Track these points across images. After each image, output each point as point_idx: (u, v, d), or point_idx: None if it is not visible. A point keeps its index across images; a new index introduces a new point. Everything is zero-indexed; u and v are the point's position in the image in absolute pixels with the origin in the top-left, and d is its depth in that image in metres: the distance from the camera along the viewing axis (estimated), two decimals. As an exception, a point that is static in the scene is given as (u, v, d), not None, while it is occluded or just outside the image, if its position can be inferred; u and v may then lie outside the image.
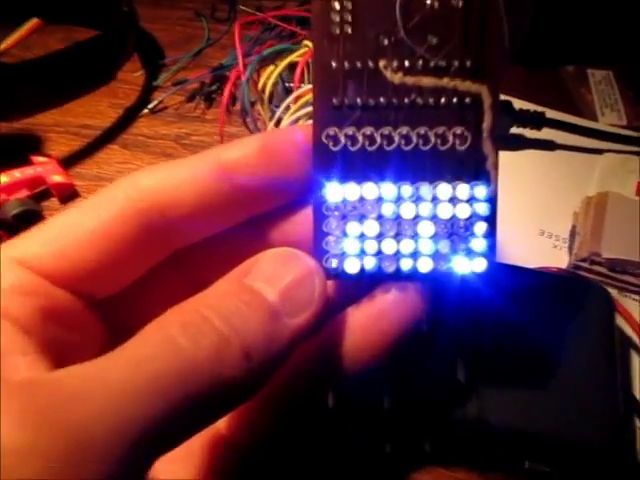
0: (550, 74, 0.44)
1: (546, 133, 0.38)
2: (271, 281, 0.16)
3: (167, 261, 0.19)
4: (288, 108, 0.31)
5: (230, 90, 0.36)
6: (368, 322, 0.18)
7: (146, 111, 0.42)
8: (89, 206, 0.17)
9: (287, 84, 0.35)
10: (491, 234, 0.18)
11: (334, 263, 0.18)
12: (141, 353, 0.14)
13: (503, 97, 0.38)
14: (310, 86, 0.31)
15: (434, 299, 0.18)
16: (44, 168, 0.35)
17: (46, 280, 0.16)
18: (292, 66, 0.35)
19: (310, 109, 0.31)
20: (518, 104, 0.38)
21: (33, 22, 0.42)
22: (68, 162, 0.38)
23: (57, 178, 0.35)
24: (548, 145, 0.38)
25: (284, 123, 0.31)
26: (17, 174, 0.34)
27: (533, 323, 0.23)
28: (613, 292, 0.30)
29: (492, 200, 0.18)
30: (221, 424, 0.18)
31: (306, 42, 0.35)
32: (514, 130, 0.38)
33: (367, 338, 0.18)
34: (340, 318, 0.18)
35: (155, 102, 0.42)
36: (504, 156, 0.37)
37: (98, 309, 0.18)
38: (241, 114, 0.38)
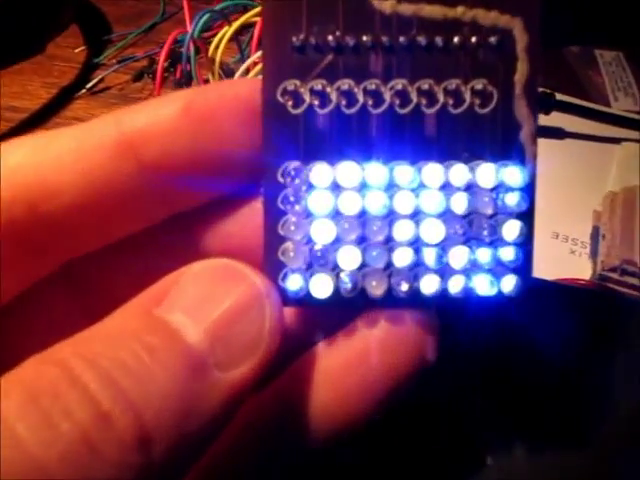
0: (552, 55, 0.39)
1: (553, 119, 0.33)
2: (196, 312, 0.11)
3: (56, 277, 0.14)
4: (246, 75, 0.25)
5: (167, 54, 0.30)
6: (345, 367, 0.13)
7: (84, 91, 0.36)
8: None
9: (248, 58, 0.30)
10: (527, 239, 0.12)
11: (295, 283, 0.12)
12: None
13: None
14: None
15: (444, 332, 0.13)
16: None
17: None
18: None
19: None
20: (522, 84, 0.32)
21: None
22: None
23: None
24: (556, 133, 0.33)
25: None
26: None
27: (566, 357, 0.18)
28: None
29: (529, 189, 0.13)
30: None
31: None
32: None
33: (344, 390, 0.13)
34: (306, 361, 0.13)
35: (95, 81, 0.37)
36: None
37: None
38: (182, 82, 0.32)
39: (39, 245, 0.12)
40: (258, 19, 0.26)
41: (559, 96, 0.34)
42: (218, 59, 0.27)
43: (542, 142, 0.34)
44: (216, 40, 0.27)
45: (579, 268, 0.27)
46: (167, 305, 0.11)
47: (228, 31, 0.27)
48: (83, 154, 0.12)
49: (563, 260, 0.27)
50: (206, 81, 0.32)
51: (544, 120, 0.33)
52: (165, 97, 0.13)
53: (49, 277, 0.13)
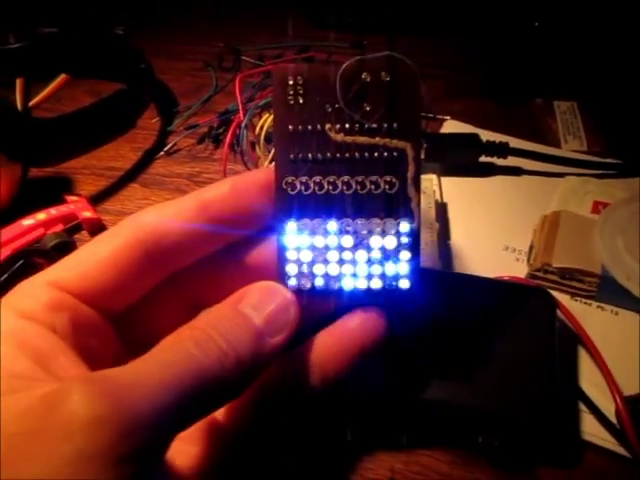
0: (519, 107, 0.48)
1: (514, 161, 0.41)
2: (258, 308, 0.20)
3: (165, 286, 0.22)
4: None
5: (232, 134, 0.41)
6: (331, 343, 0.22)
7: (162, 153, 0.46)
8: (103, 238, 0.21)
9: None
10: (413, 260, 0.21)
11: (293, 282, 0.22)
12: (168, 359, 0.17)
13: (472, 130, 0.43)
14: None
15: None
16: (76, 206, 0.40)
17: (73, 297, 0.20)
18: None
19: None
20: (486, 136, 0.42)
21: (62, 78, 0.47)
22: (96, 200, 0.43)
23: (87, 214, 0.40)
24: (515, 171, 0.42)
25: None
26: (53, 211, 0.39)
27: (484, 321, 0.27)
28: (565, 297, 0.34)
29: (414, 233, 0.21)
30: (219, 415, 0.22)
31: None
32: (484, 159, 0.42)
33: (330, 355, 0.22)
34: (310, 340, 0.22)
35: (170, 145, 0.47)
36: (474, 182, 0.42)
37: (112, 322, 0.21)
38: (242, 157, 0.43)
39: (158, 263, 0.21)
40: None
41: (519, 142, 0.43)
42: (263, 135, 0.38)
43: (503, 179, 0.44)
44: (261, 122, 0.38)
45: (520, 271, 0.35)
46: (244, 304, 0.20)
47: (269, 117, 0.38)
48: (181, 215, 0.21)
49: (509, 265, 0.35)
50: (252, 144, 0.43)
51: (506, 162, 0.42)
52: (222, 181, 0.22)
53: (163, 286, 0.22)
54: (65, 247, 0.38)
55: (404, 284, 0.22)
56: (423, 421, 0.28)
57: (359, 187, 0.21)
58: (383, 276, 0.22)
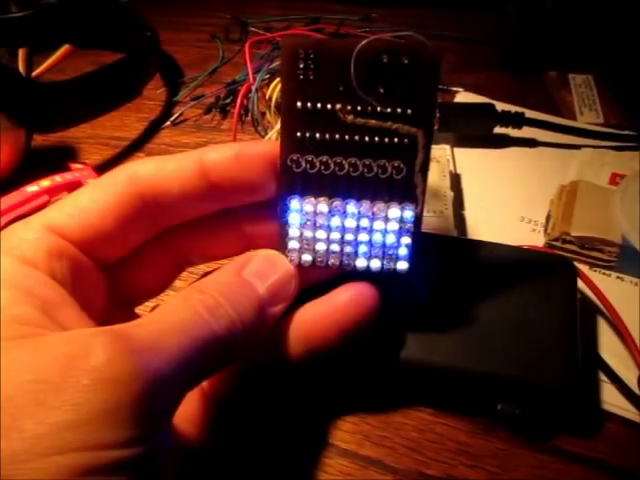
0: (534, 80, 0.47)
1: (529, 132, 0.40)
2: (262, 277, 0.21)
3: (155, 240, 0.22)
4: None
5: (241, 101, 0.40)
6: (321, 315, 0.22)
7: (168, 123, 0.45)
8: (100, 186, 0.20)
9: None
10: (413, 245, 0.22)
11: (294, 257, 0.22)
12: (182, 322, 0.18)
13: (487, 100, 0.42)
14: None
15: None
16: (81, 173, 0.39)
17: (72, 245, 0.20)
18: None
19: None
20: (501, 106, 0.41)
21: (65, 48, 0.46)
22: (101, 169, 0.42)
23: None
24: (530, 142, 0.41)
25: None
26: (58, 179, 0.38)
27: (506, 288, 0.27)
28: (584, 267, 0.33)
29: (417, 219, 0.22)
30: (204, 383, 0.22)
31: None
32: (498, 130, 0.41)
33: (319, 327, 0.22)
34: (300, 310, 0.22)
35: (176, 115, 0.46)
36: (489, 153, 0.41)
37: (104, 272, 0.21)
38: (253, 123, 0.42)
39: (154, 217, 0.21)
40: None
41: (534, 113, 0.42)
42: (274, 103, 0.36)
43: (518, 150, 0.43)
44: (271, 89, 0.37)
45: (536, 241, 0.34)
46: (248, 271, 0.20)
47: (278, 85, 0.36)
48: (181, 172, 0.20)
49: (526, 236, 0.35)
50: (263, 113, 0.42)
51: (521, 133, 0.41)
52: (227, 145, 0.21)
53: (155, 244, 0.22)
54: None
55: (402, 266, 0.22)
56: (441, 388, 0.27)
57: (366, 170, 0.21)
58: (383, 257, 0.22)
